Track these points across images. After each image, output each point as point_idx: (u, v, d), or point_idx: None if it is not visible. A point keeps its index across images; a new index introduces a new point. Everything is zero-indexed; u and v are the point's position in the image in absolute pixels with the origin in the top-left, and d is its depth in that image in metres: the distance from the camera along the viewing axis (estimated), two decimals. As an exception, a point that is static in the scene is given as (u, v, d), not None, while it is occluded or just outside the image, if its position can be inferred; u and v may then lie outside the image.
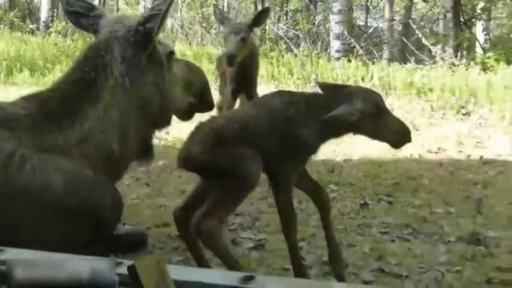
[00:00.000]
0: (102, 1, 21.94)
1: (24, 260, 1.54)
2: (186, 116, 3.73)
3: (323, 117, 3.26)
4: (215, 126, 3.34)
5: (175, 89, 3.43)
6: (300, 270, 3.45)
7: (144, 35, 3.20)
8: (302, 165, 3.48)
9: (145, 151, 3.50)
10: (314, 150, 3.43)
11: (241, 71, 5.39)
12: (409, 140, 3.46)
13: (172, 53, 3.44)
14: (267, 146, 3.29)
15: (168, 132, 6.14)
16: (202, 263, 3.44)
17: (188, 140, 3.35)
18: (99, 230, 2.82)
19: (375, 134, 3.45)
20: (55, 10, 20.67)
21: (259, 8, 18.77)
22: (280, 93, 3.65)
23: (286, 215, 3.42)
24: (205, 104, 3.76)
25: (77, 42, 14.74)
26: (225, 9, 19.57)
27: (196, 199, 3.41)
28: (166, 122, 3.54)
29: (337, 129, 3.44)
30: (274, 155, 3.30)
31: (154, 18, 3.19)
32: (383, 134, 3.42)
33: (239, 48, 5.15)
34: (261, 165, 3.34)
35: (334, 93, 3.43)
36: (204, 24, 19.06)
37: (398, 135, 3.43)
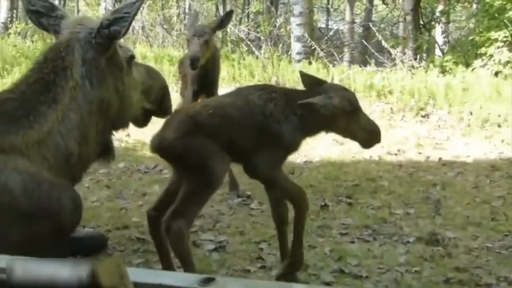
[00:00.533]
0: (62, 2, 21.73)
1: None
2: (141, 123, 3.68)
3: (298, 102, 3.31)
4: (190, 113, 3.35)
5: (133, 93, 3.39)
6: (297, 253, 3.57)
7: (107, 38, 3.16)
8: (282, 160, 3.51)
9: (106, 151, 3.47)
10: (294, 145, 3.48)
11: (203, 73, 5.38)
12: (379, 140, 3.54)
13: (132, 57, 3.40)
14: (243, 137, 3.31)
15: (128, 135, 6.11)
16: (169, 266, 3.43)
17: (163, 126, 3.36)
18: (58, 232, 2.79)
19: (347, 132, 3.53)
20: (14, 11, 20.41)
21: (221, 10, 18.74)
22: (260, 87, 3.66)
23: (294, 202, 3.53)
24: (165, 109, 3.73)
25: (37, 44, 14.53)
26: (186, 11, 19.51)
27: (167, 199, 3.42)
28: (125, 125, 3.51)
29: (314, 125, 3.48)
30: (251, 149, 3.32)
31: (121, 21, 3.14)
32: (355, 133, 3.50)
33: (203, 50, 5.15)
34: (228, 165, 3.36)
35: (311, 86, 3.50)
36: (165, 26, 18.95)
37: (370, 134, 3.51)
